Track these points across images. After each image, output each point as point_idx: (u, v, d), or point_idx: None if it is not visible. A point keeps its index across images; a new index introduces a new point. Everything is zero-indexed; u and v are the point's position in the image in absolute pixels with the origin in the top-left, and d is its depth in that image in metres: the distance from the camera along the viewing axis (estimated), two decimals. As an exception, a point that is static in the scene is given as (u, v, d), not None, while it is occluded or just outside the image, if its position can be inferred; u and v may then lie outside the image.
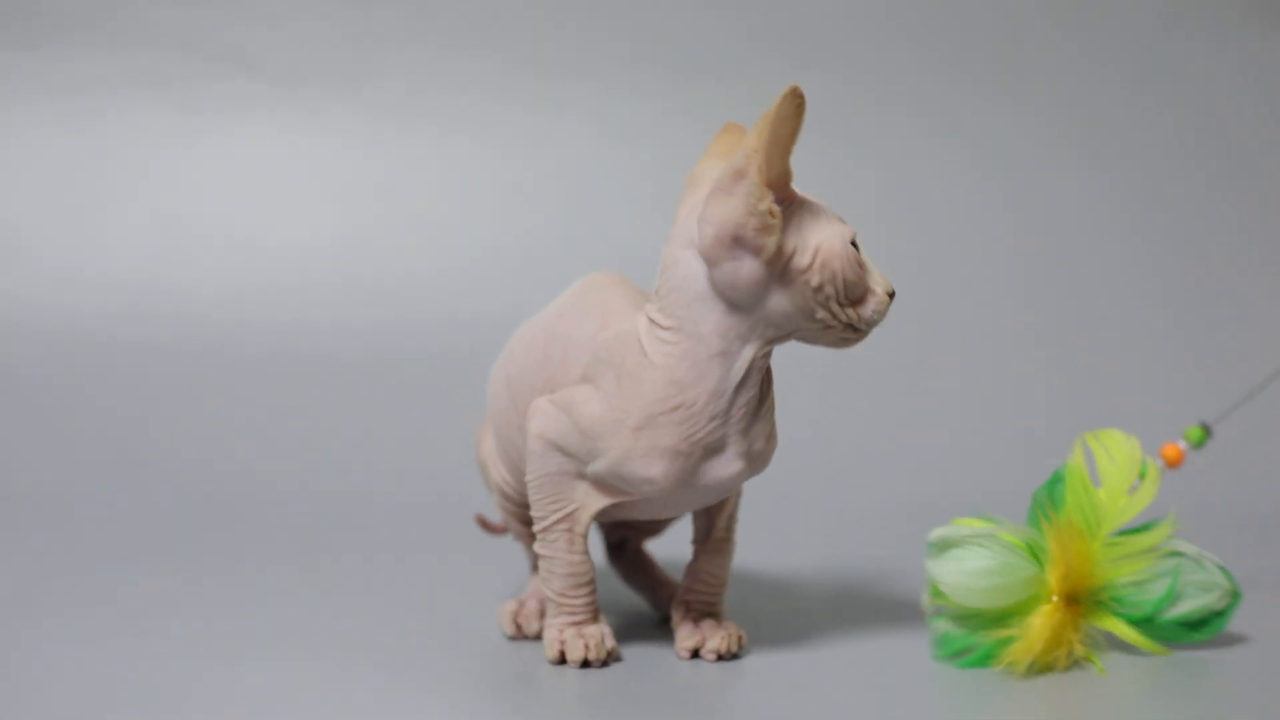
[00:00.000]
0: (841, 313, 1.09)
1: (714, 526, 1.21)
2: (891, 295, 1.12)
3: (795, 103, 1.05)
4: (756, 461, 1.12)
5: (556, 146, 2.20)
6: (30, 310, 2.07)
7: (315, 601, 1.37)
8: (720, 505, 1.20)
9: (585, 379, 1.12)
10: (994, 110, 2.20)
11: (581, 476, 1.14)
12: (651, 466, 1.09)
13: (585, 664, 1.15)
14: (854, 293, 1.09)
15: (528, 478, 1.16)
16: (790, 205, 1.08)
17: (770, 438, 1.13)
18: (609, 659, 1.16)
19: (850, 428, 1.63)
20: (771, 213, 1.06)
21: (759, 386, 1.10)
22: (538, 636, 1.23)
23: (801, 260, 1.08)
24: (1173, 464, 1.31)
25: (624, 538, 1.35)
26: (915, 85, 2.22)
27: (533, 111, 2.21)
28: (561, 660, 1.16)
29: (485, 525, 1.44)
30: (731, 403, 1.09)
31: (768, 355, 1.10)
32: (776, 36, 2.22)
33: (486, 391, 1.29)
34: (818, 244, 1.08)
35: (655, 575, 1.34)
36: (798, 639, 1.23)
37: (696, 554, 1.21)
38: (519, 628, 1.24)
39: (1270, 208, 2.16)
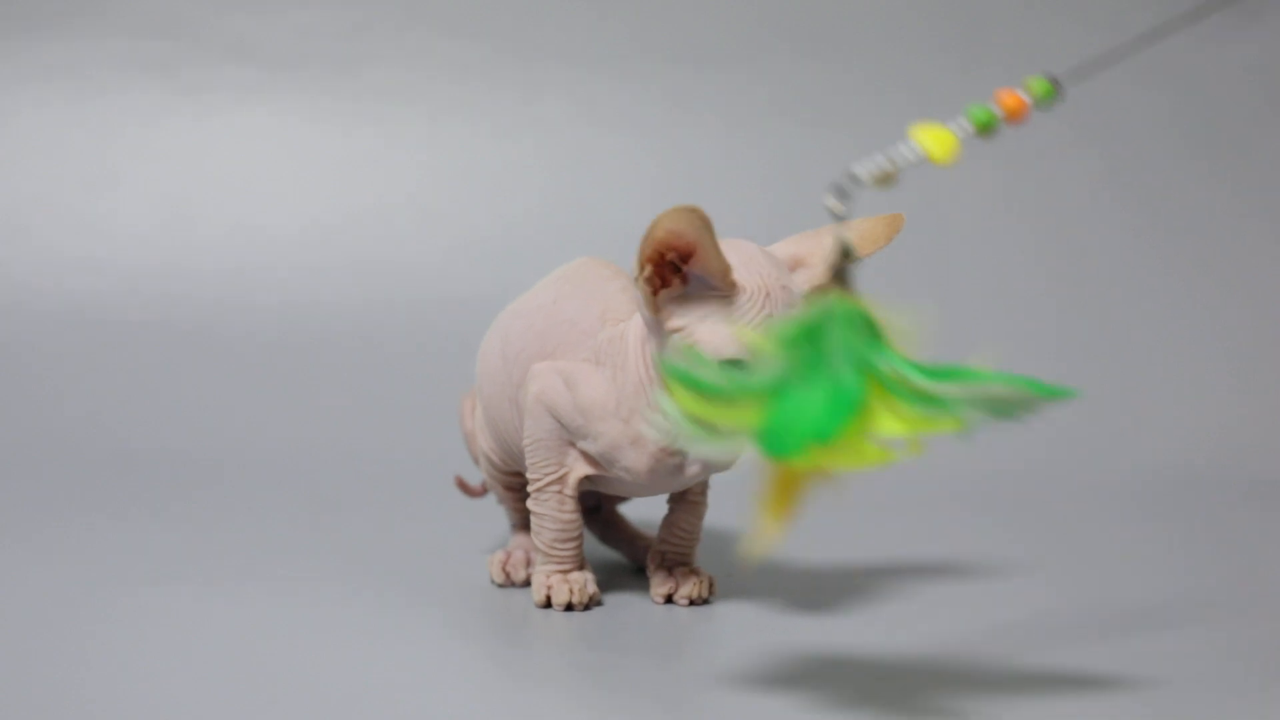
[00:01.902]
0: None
1: (688, 489, 1.27)
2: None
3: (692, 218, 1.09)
4: (719, 466, 1.19)
5: (546, 131, 2.22)
6: (30, 291, 2.09)
7: (313, 555, 1.43)
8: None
9: (589, 362, 1.20)
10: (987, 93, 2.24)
11: (572, 444, 1.21)
12: (639, 459, 1.18)
13: (569, 607, 1.21)
14: None
15: (524, 440, 1.22)
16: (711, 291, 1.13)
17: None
18: (591, 603, 1.22)
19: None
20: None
21: None
22: (524, 584, 1.29)
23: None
24: (1013, 115, 1.08)
25: (598, 503, 1.41)
26: (904, 70, 2.23)
27: (522, 97, 2.23)
28: (547, 604, 1.22)
29: (464, 488, 1.48)
30: None
31: None
32: (762, 22, 2.24)
33: (475, 367, 1.32)
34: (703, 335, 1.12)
35: (629, 530, 1.40)
36: (765, 587, 1.29)
37: (672, 509, 1.28)
38: (507, 575, 1.30)
39: (1251, 181, 2.21)
